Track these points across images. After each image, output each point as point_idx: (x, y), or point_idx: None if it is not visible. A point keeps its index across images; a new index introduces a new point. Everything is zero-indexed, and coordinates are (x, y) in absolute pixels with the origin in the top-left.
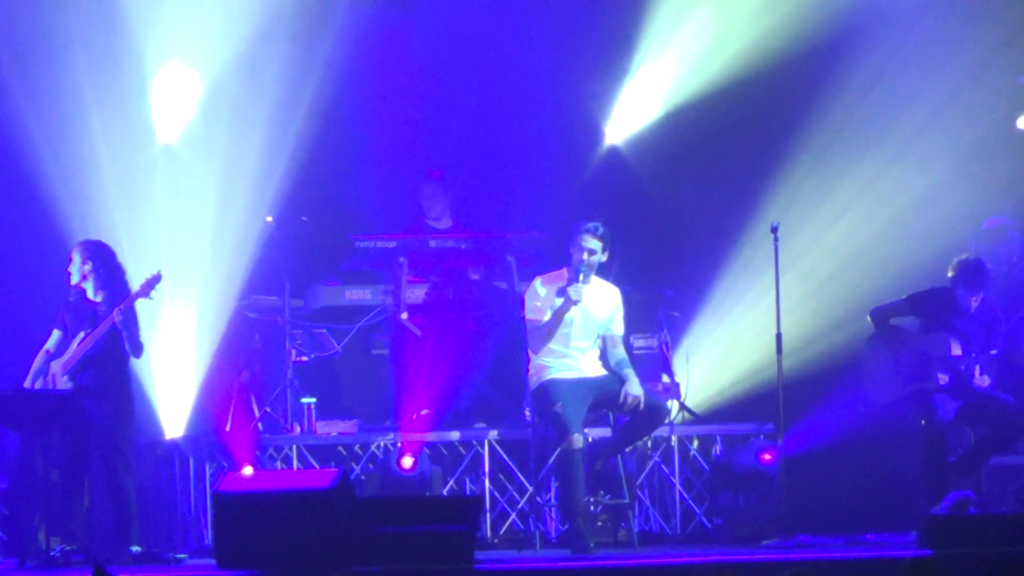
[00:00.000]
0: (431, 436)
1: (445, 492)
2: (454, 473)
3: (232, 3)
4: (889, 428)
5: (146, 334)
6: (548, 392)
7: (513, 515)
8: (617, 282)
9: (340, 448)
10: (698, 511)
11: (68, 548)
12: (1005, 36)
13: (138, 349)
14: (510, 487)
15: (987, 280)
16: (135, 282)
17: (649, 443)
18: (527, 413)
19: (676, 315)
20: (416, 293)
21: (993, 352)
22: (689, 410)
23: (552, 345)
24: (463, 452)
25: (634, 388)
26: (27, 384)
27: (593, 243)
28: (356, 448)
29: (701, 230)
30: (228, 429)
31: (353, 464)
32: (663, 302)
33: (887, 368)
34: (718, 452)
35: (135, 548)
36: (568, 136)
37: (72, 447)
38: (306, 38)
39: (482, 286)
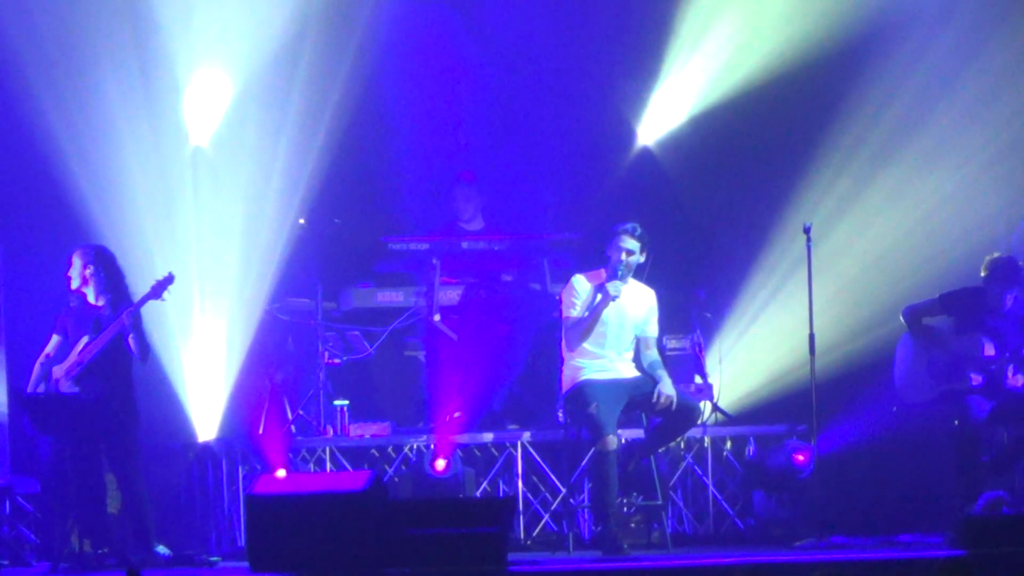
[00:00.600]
0: (464, 438)
1: (478, 494)
2: (487, 475)
3: (262, 5)
4: (922, 428)
5: (178, 337)
6: (582, 393)
7: (546, 517)
8: (650, 283)
9: (373, 450)
10: (731, 512)
11: (101, 551)
12: None
13: (146, 352)
14: (543, 489)
15: (1020, 279)
16: (142, 285)
17: (682, 444)
18: (560, 415)
19: (708, 316)
20: (449, 295)
21: None
22: (722, 411)
23: (587, 346)
24: (496, 454)
25: (667, 388)
26: (29, 390)
27: (632, 243)
28: (389, 450)
29: (733, 231)
30: (261, 432)
31: (386, 466)
32: (696, 303)
33: (920, 368)
34: (751, 453)
35: (161, 549)
36: (600, 137)
37: (85, 451)
38: (336, 39)
39: (515, 288)
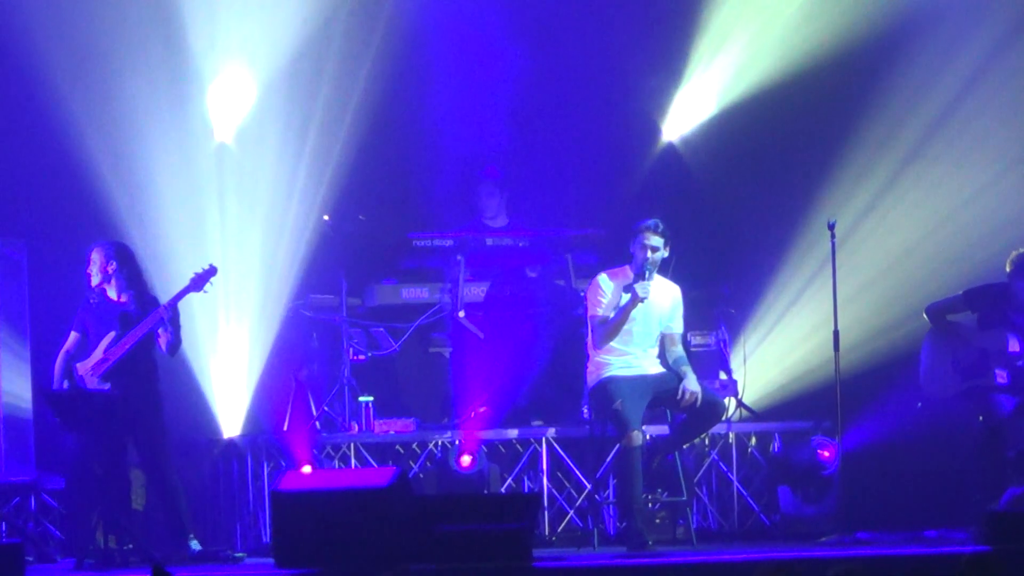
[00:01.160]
0: (489, 434)
1: (503, 490)
2: (512, 471)
3: (286, 2)
4: (947, 425)
5: (203, 333)
6: (607, 389)
7: (571, 513)
8: (674, 280)
9: (398, 446)
10: (756, 508)
11: (126, 548)
12: None
13: (176, 347)
14: (568, 485)
15: None
16: (167, 281)
17: (707, 440)
18: (585, 411)
19: (733, 312)
20: (474, 291)
21: None
22: (747, 407)
23: (613, 343)
24: (521, 450)
25: (692, 385)
26: (54, 387)
27: (655, 240)
28: (414, 446)
29: (758, 227)
30: (286, 428)
31: (411, 462)
32: (720, 299)
33: (944, 364)
34: (776, 449)
35: (194, 544)
36: (624, 133)
37: (111, 447)
38: (361, 35)
39: (539, 284)
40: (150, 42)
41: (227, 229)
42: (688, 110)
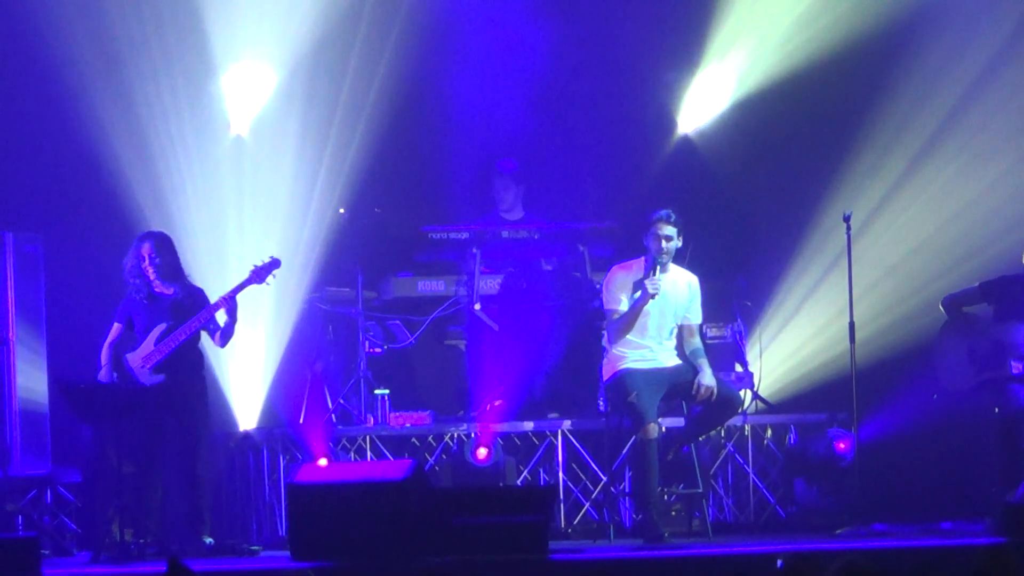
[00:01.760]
0: (505, 426)
1: (519, 482)
2: (528, 463)
3: None
4: (962, 416)
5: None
6: (622, 382)
7: (587, 505)
8: (690, 271)
9: (414, 439)
10: (772, 500)
11: (142, 541)
12: None
13: (230, 338)
14: (584, 477)
15: None
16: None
17: (723, 432)
18: (601, 403)
19: (749, 304)
20: (489, 284)
21: None
22: (763, 399)
23: (629, 335)
24: (537, 443)
25: (707, 379)
26: (102, 379)
27: (668, 229)
28: (430, 439)
29: (774, 219)
30: (302, 421)
31: (427, 455)
32: (736, 291)
33: (960, 356)
34: (792, 441)
35: (208, 539)
36: (640, 126)
37: (148, 440)
38: (378, 28)
39: (555, 276)
40: (167, 35)
41: (243, 222)
42: (704, 103)
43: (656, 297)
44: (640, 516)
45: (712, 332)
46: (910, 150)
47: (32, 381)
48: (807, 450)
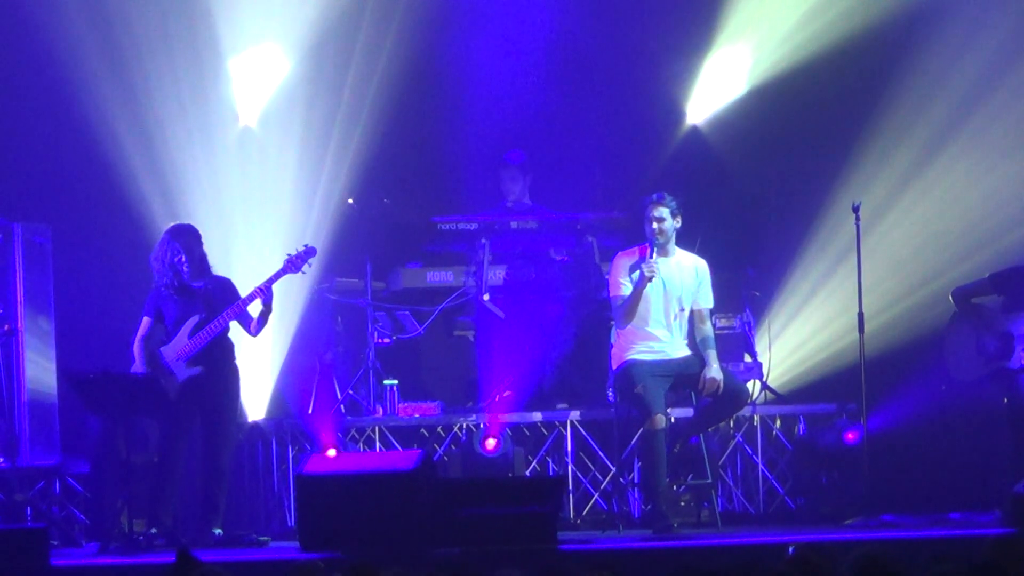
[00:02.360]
0: (514, 417)
1: (528, 473)
2: (537, 454)
3: None
4: (972, 407)
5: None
6: (629, 373)
7: (596, 496)
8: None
9: (423, 430)
10: (781, 490)
11: (152, 531)
12: None
13: (263, 327)
14: (593, 468)
15: None
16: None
17: (732, 423)
18: (610, 394)
19: (758, 295)
20: (498, 274)
21: None
22: (772, 390)
23: (635, 325)
24: (546, 433)
25: (713, 372)
26: (137, 371)
27: (660, 211)
28: (439, 430)
29: (783, 210)
30: (311, 412)
31: (436, 446)
32: (745, 282)
33: (970, 347)
34: (801, 431)
35: (217, 531)
36: (649, 116)
37: (172, 431)
38: (386, 17)
39: (564, 267)
40: (175, 26)
41: (251, 213)
42: (712, 93)
43: (653, 280)
44: (649, 507)
45: (721, 322)
46: (920, 141)
47: (41, 372)
48: (816, 441)
